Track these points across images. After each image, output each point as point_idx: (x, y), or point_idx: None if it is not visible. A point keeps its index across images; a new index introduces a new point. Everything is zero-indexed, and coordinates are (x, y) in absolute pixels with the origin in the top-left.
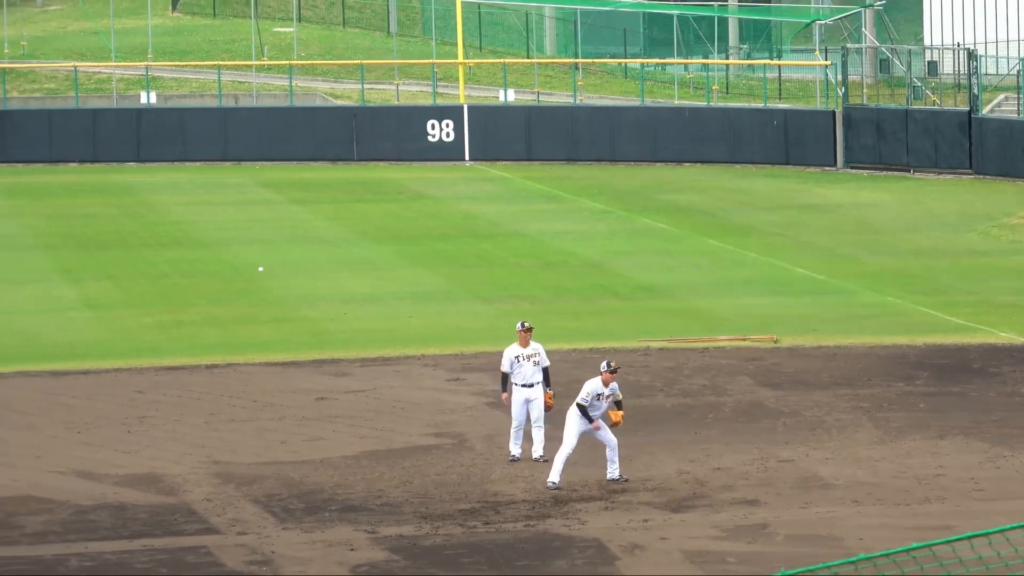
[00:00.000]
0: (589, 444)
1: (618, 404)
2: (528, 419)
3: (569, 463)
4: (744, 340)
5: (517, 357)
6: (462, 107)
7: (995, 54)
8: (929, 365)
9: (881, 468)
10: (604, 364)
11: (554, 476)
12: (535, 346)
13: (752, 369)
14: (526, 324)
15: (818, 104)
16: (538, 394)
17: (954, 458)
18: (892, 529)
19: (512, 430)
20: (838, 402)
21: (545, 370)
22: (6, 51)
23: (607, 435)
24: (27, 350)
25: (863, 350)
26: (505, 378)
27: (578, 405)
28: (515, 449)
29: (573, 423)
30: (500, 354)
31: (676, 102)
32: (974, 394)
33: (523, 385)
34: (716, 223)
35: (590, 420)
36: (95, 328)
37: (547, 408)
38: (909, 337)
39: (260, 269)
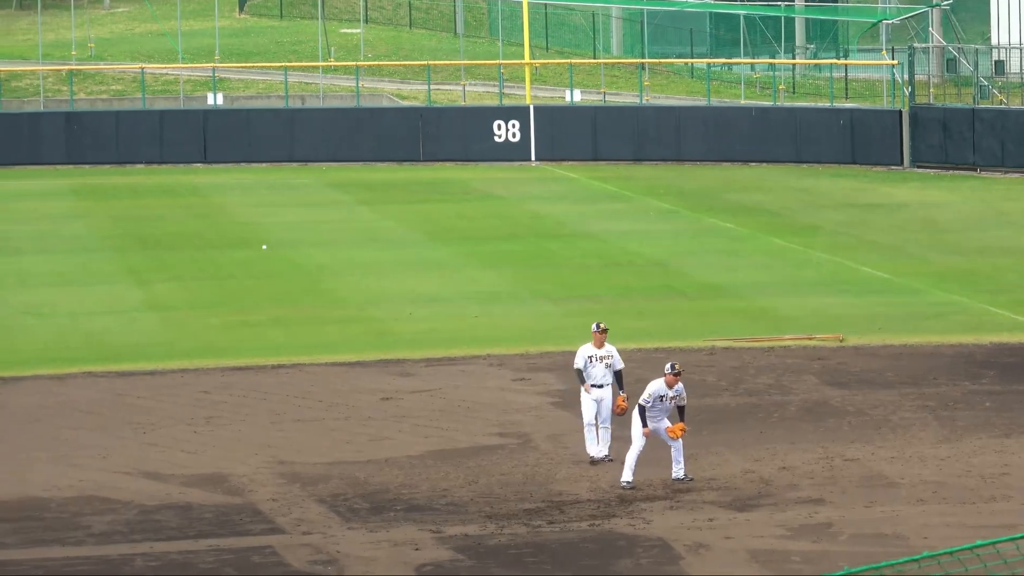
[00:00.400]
0: (654, 444)
1: (680, 411)
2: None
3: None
4: (810, 339)
5: (590, 357)
6: (528, 107)
7: None
8: (995, 364)
9: (946, 467)
10: (668, 366)
11: (627, 475)
12: (609, 348)
13: (818, 368)
14: (601, 325)
15: (885, 103)
16: (607, 395)
17: (1020, 457)
18: (957, 528)
19: (585, 429)
20: (904, 401)
21: (618, 373)
22: (74, 53)
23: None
24: (94, 351)
25: (929, 349)
26: (580, 373)
27: (638, 406)
28: (592, 450)
29: (640, 421)
30: (565, 354)
31: (742, 102)
32: None
33: (593, 385)
34: (782, 222)
35: (644, 424)
36: (161, 329)
37: (620, 412)
38: (975, 336)
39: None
